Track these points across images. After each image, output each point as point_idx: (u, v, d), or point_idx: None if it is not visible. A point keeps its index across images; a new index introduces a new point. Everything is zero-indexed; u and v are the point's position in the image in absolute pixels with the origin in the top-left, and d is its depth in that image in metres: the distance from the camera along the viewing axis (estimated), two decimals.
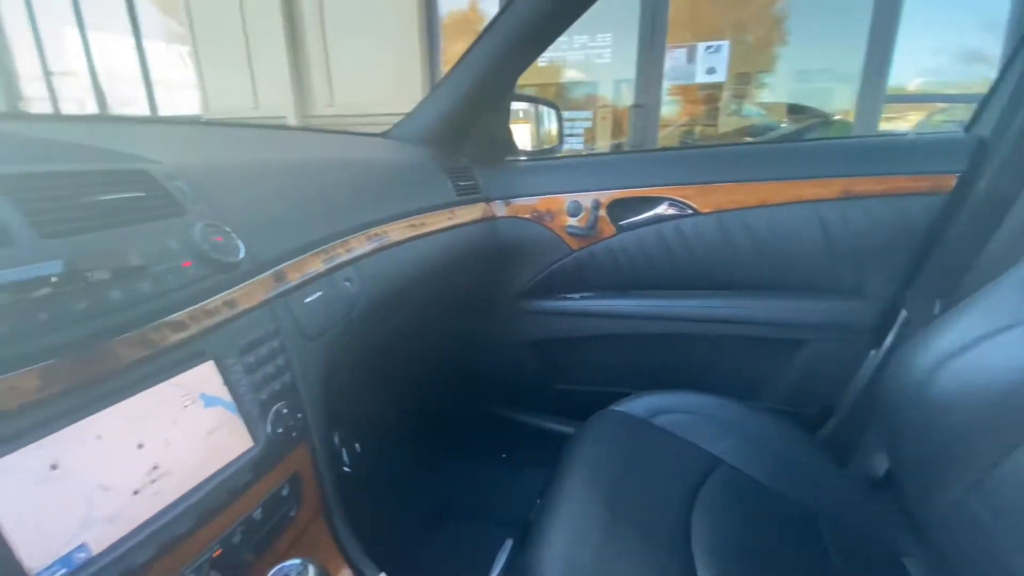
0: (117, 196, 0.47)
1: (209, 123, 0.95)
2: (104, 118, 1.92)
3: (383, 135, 1.18)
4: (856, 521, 0.83)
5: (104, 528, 0.40)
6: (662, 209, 1.14)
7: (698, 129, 3.59)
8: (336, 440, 1.40)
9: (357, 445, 1.41)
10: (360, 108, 4.06)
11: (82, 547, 0.39)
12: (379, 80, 4.00)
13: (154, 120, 2.84)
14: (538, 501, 1.04)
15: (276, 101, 4.32)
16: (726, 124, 3.47)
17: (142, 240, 0.47)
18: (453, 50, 3.91)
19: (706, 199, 1.09)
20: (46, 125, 0.64)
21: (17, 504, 0.36)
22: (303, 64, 4.22)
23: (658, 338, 1.18)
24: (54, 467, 0.38)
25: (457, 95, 1.08)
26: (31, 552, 0.36)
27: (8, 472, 0.36)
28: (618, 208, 1.15)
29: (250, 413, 0.52)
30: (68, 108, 5.98)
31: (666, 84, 3.41)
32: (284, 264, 0.62)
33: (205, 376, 0.49)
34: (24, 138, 0.52)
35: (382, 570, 0.59)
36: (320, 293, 0.66)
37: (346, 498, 0.62)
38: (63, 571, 0.37)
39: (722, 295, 1.14)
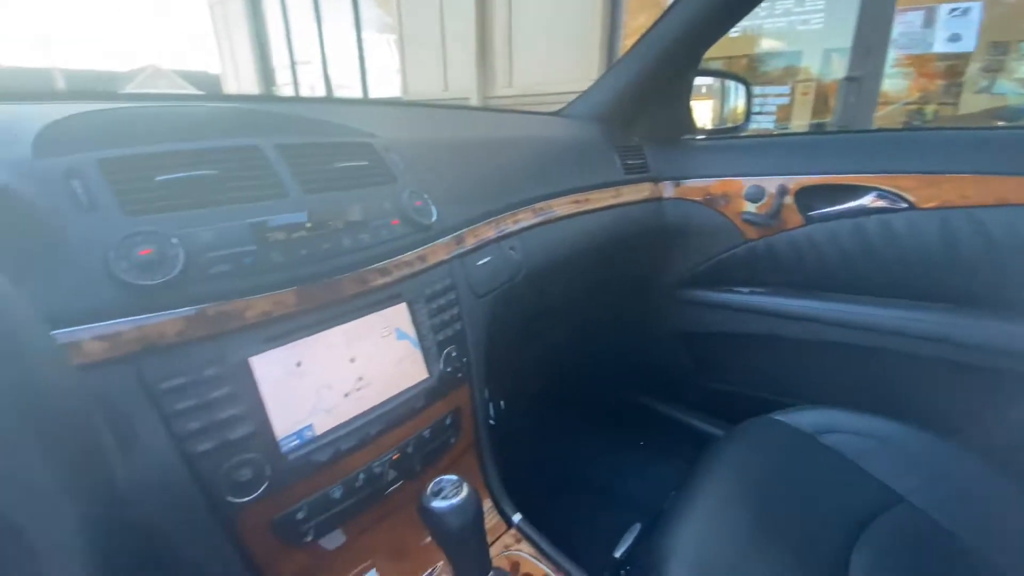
0: (350, 164, 0.59)
1: (409, 104, 1.09)
2: (333, 100, 2.30)
3: (557, 113, 1.23)
4: None
5: (324, 417, 0.52)
6: (868, 200, 0.98)
7: (931, 108, 2.92)
8: (486, 393, 1.54)
9: (502, 402, 1.53)
10: (536, 88, 4.21)
11: (309, 427, 0.51)
12: (557, 60, 4.08)
13: (369, 102, 3.32)
14: (673, 493, 1.02)
15: (463, 84, 4.70)
16: (970, 104, 2.77)
17: (365, 200, 0.58)
18: (635, 24, 3.77)
19: (928, 192, 0.91)
20: (297, 105, 0.81)
21: (275, 386, 0.49)
22: (488, 48, 4.51)
23: (839, 347, 1.04)
24: (299, 364, 0.51)
25: (636, 71, 1.06)
26: (279, 423, 0.49)
27: (273, 362, 0.49)
28: (809, 196, 1.02)
29: (428, 351, 0.62)
30: (304, 92, 7.32)
31: (892, 54, 2.84)
32: (463, 230, 0.70)
33: (400, 314, 0.60)
34: (286, 115, 0.68)
35: (518, 510, 0.65)
36: (489, 258, 0.74)
37: (491, 445, 0.69)
38: (296, 442, 0.50)
39: (936, 308, 0.95)
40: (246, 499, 0.45)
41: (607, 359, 1.47)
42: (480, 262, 0.72)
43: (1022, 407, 0.91)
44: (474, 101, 4.63)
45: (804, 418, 0.89)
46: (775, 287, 1.11)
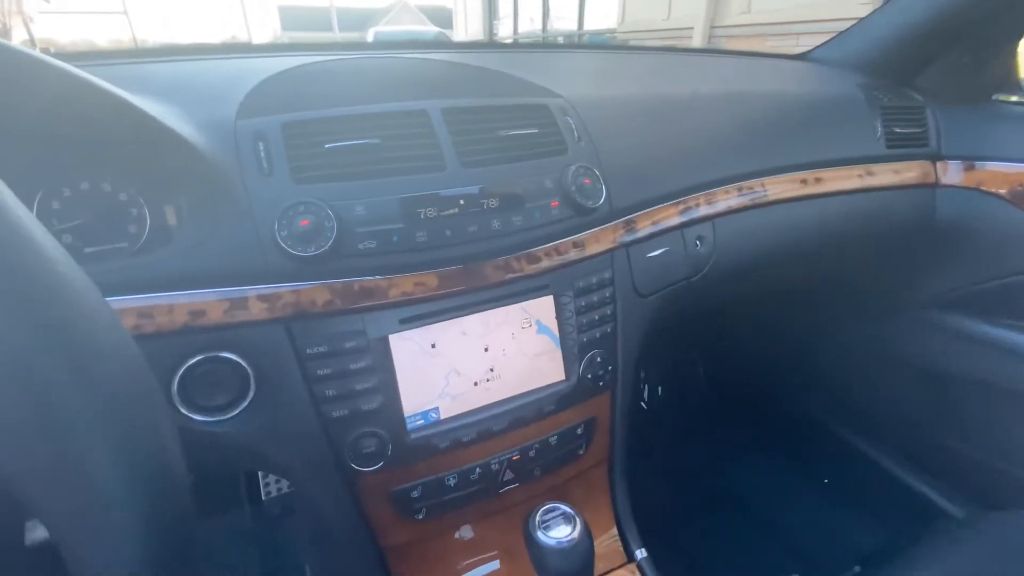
0: (518, 132, 0.53)
1: (607, 49, 0.95)
2: (524, 46, 2.20)
3: (802, 57, 0.95)
4: None
5: (450, 402, 0.51)
6: None
7: None
8: (642, 375, 1.42)
9: (660, 388, 1.40)
10: (783, 15, 3.45)
11: (435, 410, 0.51)
12: None
13: (563, 47, 3.15)
14: (857, 569, 0.81)
15: (688, 10, 4.13)
16: None
17: (526, 176, 0.51)
18: None
19: None
20: (484, 54, 0.76)
21: (409, 365, 0.48)
22: None
23: None
24: (433, 346, 0.50)
25: (936, 4, 0.74)
26: (408, 402, 0.49)
27: (409, 341, 0.48)
28: None
29: (569, 351, 0.55)
30: (524, 25, 7.37)
31: None
32: (637, 213, 0.59)
33: (544, 307, 0.54)
34: (467, 69, 0.63)
35: (644, 544, 0.58)
36: (665, 249, 0.61)
37: (625, 463, 0.61)
38: (421, 422, 0.50)
39: None
40: (367, 469, 0.47)
41: (799, 374, 1.21)
42: (651, 254, 0.60)
43: None
44: (697, 32, 4.05)
45: None
46: None
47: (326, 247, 0.42)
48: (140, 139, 0.41)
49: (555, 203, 0.52)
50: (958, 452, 0.93)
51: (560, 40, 6.79)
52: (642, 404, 1.38)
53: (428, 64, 0.63)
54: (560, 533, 0.42)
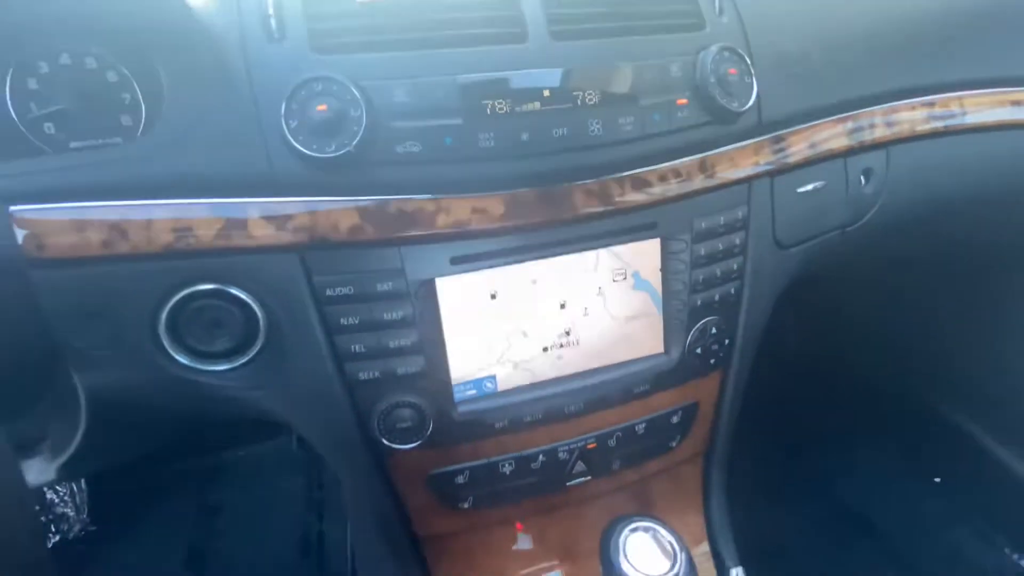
0: None
1: None
2: None
3: None
4: None
5: (511, 371, 0.39)
6: None
7: None
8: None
9: None
10: None
11: (491, 378, 0.39)
12: None
13: None
14: None
15: None
16: None
17: (645, 57, 0.35)
18: None
19: None
20: None
21: (461, 320, 0.36)
22: None
23: None
24: (493, 296, 0.37)
25: None
26: (458, 366, 0.37)
27: (463, 288, 0.36)
28: None
29: (674, 316, 0.41)
30: None
31: None
32: (792, 128, 0.42)
33: (646, 253, 0.39)
34: None
35: (741, 563, 0.45)
36: (821, 183, 0.44)
37: (727, 460, 0.48)
38: (473, 392, 0.38)
39: None
40: (401, 447, 0.36)
41: (926, 359, 0.97)
42: (803, 188, 0.43)
43: None
44: None
45: None
46: None
47: (351, 146, 0.29)
48: None
49: (683, 100, 0.35)
50: None
51: None
52: None
53: None
54: (653, 567, 0.30)
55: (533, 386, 0.40)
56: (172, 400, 0.36)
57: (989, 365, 0.89)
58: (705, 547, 0.46)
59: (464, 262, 0.35)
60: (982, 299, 0.83)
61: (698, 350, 0.42)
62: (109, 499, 0.95)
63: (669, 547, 0.32)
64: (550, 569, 0.44)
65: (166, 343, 0.32)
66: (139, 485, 0.98)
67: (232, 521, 1.00)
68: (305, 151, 0.29)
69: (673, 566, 0.31)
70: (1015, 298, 0.81)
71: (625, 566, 0.31)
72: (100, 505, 0.95)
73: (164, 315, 0.32)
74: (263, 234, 0.31)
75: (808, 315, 0.94)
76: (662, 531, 0.33)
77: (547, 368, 0.40)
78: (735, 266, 0.41)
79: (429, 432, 0.37)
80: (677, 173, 0.37)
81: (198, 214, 0.31)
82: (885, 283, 0.77)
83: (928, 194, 0.51)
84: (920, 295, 0.83)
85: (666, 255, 0.39)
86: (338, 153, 0.30)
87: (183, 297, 0.32)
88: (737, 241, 0.41)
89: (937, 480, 0.96)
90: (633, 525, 0.33)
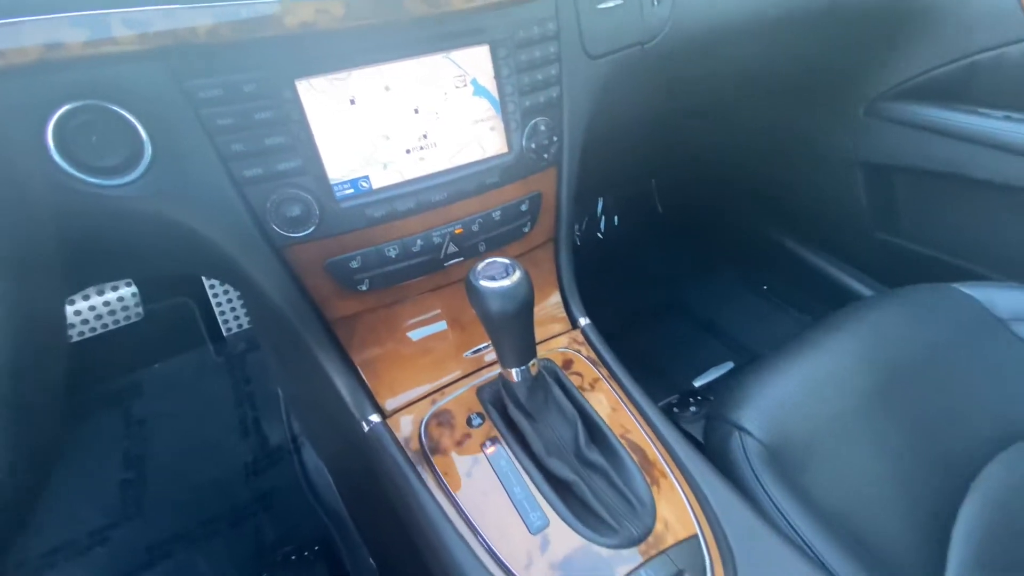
0: None
1: None
2: None
3: None
4: None
5: (381, 171, 0.47)
6: None
7: None
8: (600, 206, 1.42)
9: (616, 218, 1.41)
10: None
11: (365, 178, 0.47)
12: None
13: None
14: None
15: None
16: None
17: None
18: None
19: None
20: None
21: (327, 123, 0.43)
22: None
23: None
24: (352, 102, 0.44)
25: None
26: (333, 167, 0.45)
27: (322, 91, 0.42)
28: None
29: (511, 118, 0.50)
30: None
31: None
32: None
33: (479, 60, 0.48)
34: None
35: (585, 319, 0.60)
36: (619, 2, 0.54)
37: (570, 240, 0.61)
38: (351, 191, 0.46)
39: None
40: (295, 235, 0.44)
41: (750, 181, 1.21)
42: (603, 5, 0.53)
43: None
44: None
45: (1003, 297, 0.66)
46: None
47: None
48: None
49: None
50: (891, 244, 0.98)
51: None
52: (598, 235, 1.40)
53: None
54: (500, 279, 0.41)
55: (403, 183, 0.48)
56: (90, 222, 0.40)
57: (789, 186, 1.12)
58: (557, 297, 0.59)
59: (317, 62, 0.41)
60: (771, 119, 1.02)
61: (533, 146, 0.52)
62: None
63: (511, 267, 0.42)
64: (438, 320, 0.56)
65: (60, 161, 0.36)
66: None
67: (164, 427, 1.03)
68: None
69: (512, 274, 0.41)
70: (796, 122, 1.02)
71: (480, 281, 0.41)
72: None
73: (48, 130, 0.36)
74: (128, 41, 0.35)
75: (659, 154, 1.11)
76: (505, 260, 0.43)
77: (413, 168, 0.48)
78: (553, 72, 0.51)
79: (319, 222, 0.45)
80: None
81: (64, 25, 0.34)
82: (702, 107, 0.93)
83: (708, 18, 0.63)
84: (726, 119, 1.01)
85: (496, 61, 0.48)
86: None
87: (64, 115, 0.36)
88: (552, 50, 0.50)
89: (765, 288, 1.23)
90: (488, 260, 0.43)
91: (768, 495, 0.48)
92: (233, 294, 1.10)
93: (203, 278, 1.07)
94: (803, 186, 1.08)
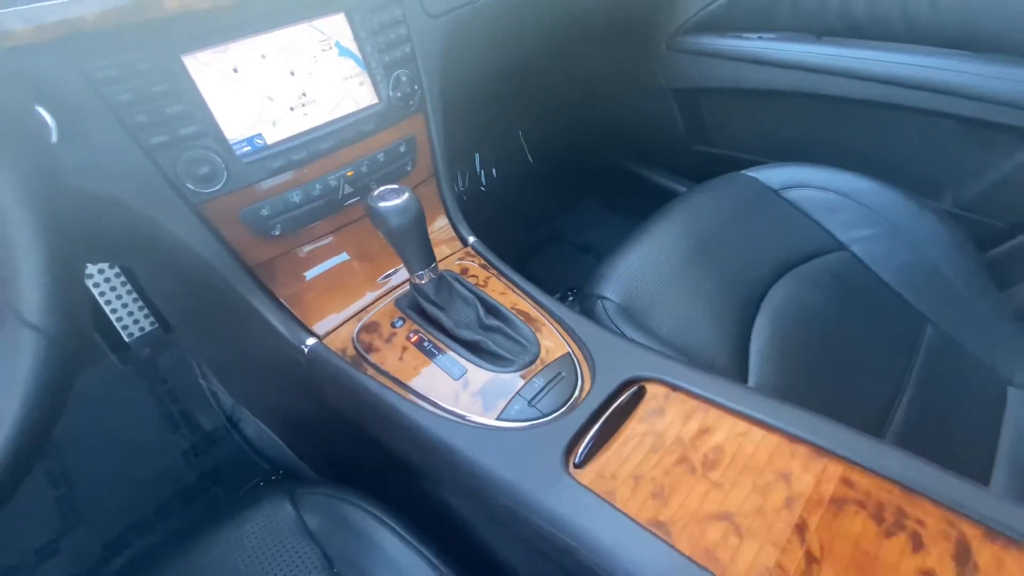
0: None
1: None
2: None
3: None
4: (972, 341, 0.75)
5: (272, 128, 0.55)
6: None
7: None
8: (478, 161, 1.56)
9: (494, 171, 1.56)
10: None
11: (259, 136, 0.55)
12: None
13: None
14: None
15: None
16: None
17: None
18: None
19: None
20: None
21: (216, 91, 0.51)
22: None
23: (841, 103, 0.97)
24: (235, 71, 0.52)
25: None
26: (229, 128, 0.52)
27: (207, 64, 0.50)
28: None
29: (375, 73, 0.61)
30: None
31: None
32: None
33: (338, 27, 0.57)
34: None
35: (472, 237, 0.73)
36: None
37: (449, 175, 0.73)
38: (248, 148, 0.54)
39: (959, 55, 0.85)
40: (208, 191, 0.52)
41: (590, 116, 1.43)
42: None
43: (1002, 165, 0.88)
44: None
45: (775, 174, 0.90)
46: (788, 32, 0.98)
47: None
48: None
49: None
50: (706, 153, 1.23)
51: None
52: (481, 188, 1.54)
53: None
54: (393, 199, 0.52)
55: (293, 137, 0.57)
56: None
57: (622, 119, 1.35)
58: (445, 220, 0.72)
59: (199, 38, 0.49)
60: (615, 63, 1.22)
61: (399, 95, 0.63)
62: None
63: (401, 190, 0.53)
64: (340, 252, 0.65)
65: None
66: None
67: (85, 442, 1.00)
68: None
69: (403, 196, 0.53)
70: (616, 62, 1.22)
71: (378, 203, 0.52)
72: None
73: None
74: (26, 34, 0.41)
75: (519, 107, 1.27)
76: (394, 185, 0.54)
77: (299, 123, 0.57)
78: (403, 31, 0.62)
79: (225, 177, 0.53)
80: None
81: None
82: (538, 57, 1.10)
83: None
84: (574, 63, 1.19)
85: (353, 26, 0.58)
86: None
87: None
88: (398, 12, 0.61)
89: (622, 207, 1.46)
90: (382, 188, 0.54)
91: (622, 333, 0.66)
92: (127, 297, 1.08)
93: (90, 287, 1.04)
94: (632, 116, 1.31)
